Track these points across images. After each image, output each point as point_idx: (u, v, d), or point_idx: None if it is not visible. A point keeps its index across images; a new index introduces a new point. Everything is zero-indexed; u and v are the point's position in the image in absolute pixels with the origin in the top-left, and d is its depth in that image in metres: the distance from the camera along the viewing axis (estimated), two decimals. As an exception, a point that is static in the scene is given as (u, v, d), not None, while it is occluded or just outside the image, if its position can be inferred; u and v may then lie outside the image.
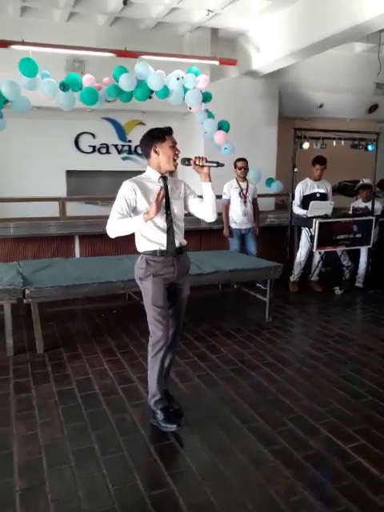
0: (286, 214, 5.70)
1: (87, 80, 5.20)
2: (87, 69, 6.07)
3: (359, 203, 6.10)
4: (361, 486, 2.26)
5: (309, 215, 5.35)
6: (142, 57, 5.64)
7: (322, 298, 5.62)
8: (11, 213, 5.74)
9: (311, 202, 5.40)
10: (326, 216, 5.34)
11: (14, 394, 3.19)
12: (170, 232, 2.66)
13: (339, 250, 5.70)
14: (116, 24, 6.36)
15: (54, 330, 4.42)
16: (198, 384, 3.35)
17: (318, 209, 5.37)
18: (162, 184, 2.65)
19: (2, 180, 6.54)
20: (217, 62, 6.32)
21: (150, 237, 2.66)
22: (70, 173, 7.45)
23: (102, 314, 4.87)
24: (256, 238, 5.72)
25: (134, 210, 2.62)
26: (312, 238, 5.31)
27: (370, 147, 5.61)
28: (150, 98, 5.52)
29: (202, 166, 2.64)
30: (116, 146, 7.68)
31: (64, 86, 4.97)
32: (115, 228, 2.60)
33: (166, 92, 5.42)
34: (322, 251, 5.56)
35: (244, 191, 5.56)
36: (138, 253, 2.75)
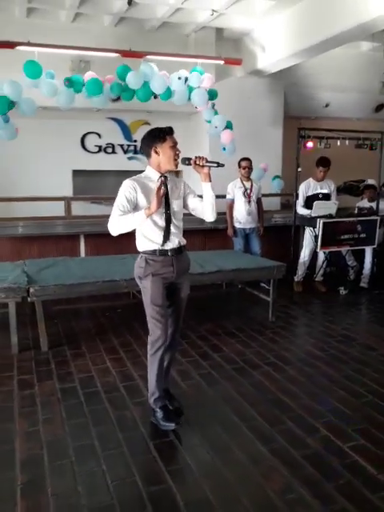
0: (291, 214, 5.69)
1: (90, 77, 5.23)
2: (93, 69, 6.07)
3: (364, 203, 6.09)
4: (357, 484, 2.27)
5: (313, 215, 5.35)
6: (147, 57, 5.68)
7: (326, 298, 5.61)
8: (18, 212, 5.80)
9: (315, 202, 5.39)
10: (330, 216, 5.34)
11: (17, 390, 3.23)
12: (169, 231, 2.67)
13: (343, 249, 5.69)
14: (121, 24, 6.41)
15: (59, 328, 4.47)
16: (199, 382, 3.37)
17: (322, 209, 5.36)
18: (162, 179, 2.65)
19: (9, 180, 6.61)
20: (222, 62, 6.35)
21: (150, 236, 2.68)
22: (76, 172, 7.52)
23: (107, 313, 4.91)
24: (260, 238, 5.72)
25: (135, 209, 2.64)
26: (316, 237, 5.31)
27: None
28: (155, 97, 5.55)
29: (203, 166, 2.66)
30: (122, 145, 7.76)
31: (69, 81, 5.03)
32: (117, 225, 2.62)
33: (168, 94, 5.45)
34: (327, 251, 5.56)
35: (248, 191, 5.56)
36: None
